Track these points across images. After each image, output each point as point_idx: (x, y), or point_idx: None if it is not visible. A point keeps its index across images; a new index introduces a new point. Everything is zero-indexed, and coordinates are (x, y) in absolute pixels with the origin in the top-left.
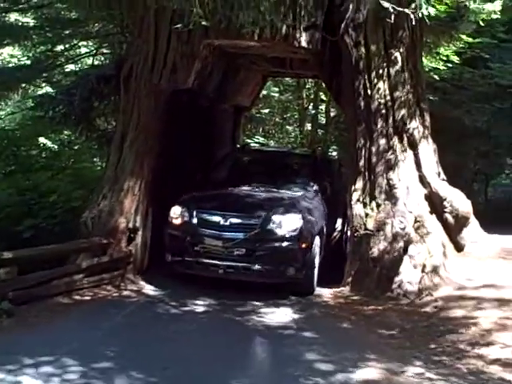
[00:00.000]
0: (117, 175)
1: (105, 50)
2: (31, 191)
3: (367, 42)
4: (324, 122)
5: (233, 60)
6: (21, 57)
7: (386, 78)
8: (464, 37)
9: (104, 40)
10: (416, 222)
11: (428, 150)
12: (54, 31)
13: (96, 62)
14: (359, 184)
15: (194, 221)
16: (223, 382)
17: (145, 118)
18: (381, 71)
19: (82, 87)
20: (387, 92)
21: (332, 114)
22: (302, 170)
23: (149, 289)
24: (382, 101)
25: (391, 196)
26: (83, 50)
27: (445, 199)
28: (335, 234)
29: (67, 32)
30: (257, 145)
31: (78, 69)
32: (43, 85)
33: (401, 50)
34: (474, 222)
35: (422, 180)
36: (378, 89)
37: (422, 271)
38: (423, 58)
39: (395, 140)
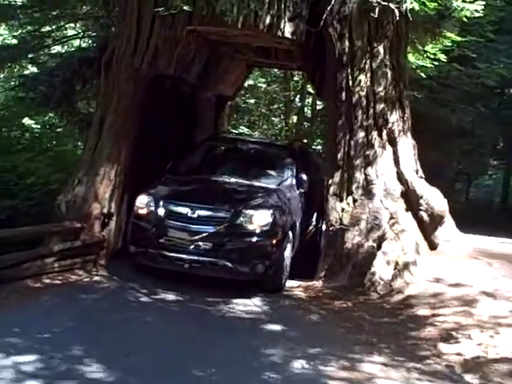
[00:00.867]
0: (94, 159)
1: (92, 33)
2: (10, 172)
3: (351, 35)
4: (310, 114)
5: (216, 48)
6: (7, 36)
7: (369, 72)
8: (452, 35)
9: (92, 23)
10: (391, 218)
11: (407, 146)
12: (42, 12)
13: (84, 45)
14: (337, 178)
15: (160, 211)
16: (183, 369)
17: (124, 102)
18: (363, 65)
19: (65, 69)
20: (369, 86)
21: (318, 108)
22: (278, 161)
23: (120, 275)
24: (363, 94)
25: (368, 191)
26: (71, 33)
27: (421, 197)
28: (310, 227)
29: (54, 13)
30: (238, 135)
31: (64, 51)
32: (29, 66)
33: (384, 44)
34: (449, 221)
35: (400, 177)
36: (360, 82)
37: (395, 268)
38: (410, 55)
39: (374, 135)
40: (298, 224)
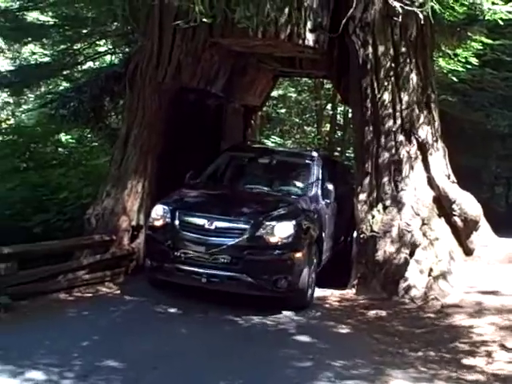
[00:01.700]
0: (120, 173)
1: (122, 50)
2: (43, 187)
3: (375, 41)
4: (342, 122)
5: (241, 59)
6: (41, 55)
7: (394, 78)
8: (482, 38)
9: (120, 39)
10: (423, 225)
11: (437, 150)
12: (73, 30)
13: (117, 61)
14: (366, 185)
15: (176, 223)
16: (211, 382)
17: (149, 116)
18: (388, 70)
19: (93, 85)
20: (395, 92)
21: (350, 115)
22: (302, 171)
23: (150, 287)
24: (390, 100)
25: (398, 198)
26: (102, 49)
27: (454, 202)
28: (342, 238)
29: (85, 31)
30: (270, 144)
31: (95, 67)
32: (64, 83)
33: (409, 48)
34: (484, 226)
35: (431, 182)
36: (385, 88)
37: (429, 275)
38: (440, 60)
39: (403, 141)
40: (324, 235)
